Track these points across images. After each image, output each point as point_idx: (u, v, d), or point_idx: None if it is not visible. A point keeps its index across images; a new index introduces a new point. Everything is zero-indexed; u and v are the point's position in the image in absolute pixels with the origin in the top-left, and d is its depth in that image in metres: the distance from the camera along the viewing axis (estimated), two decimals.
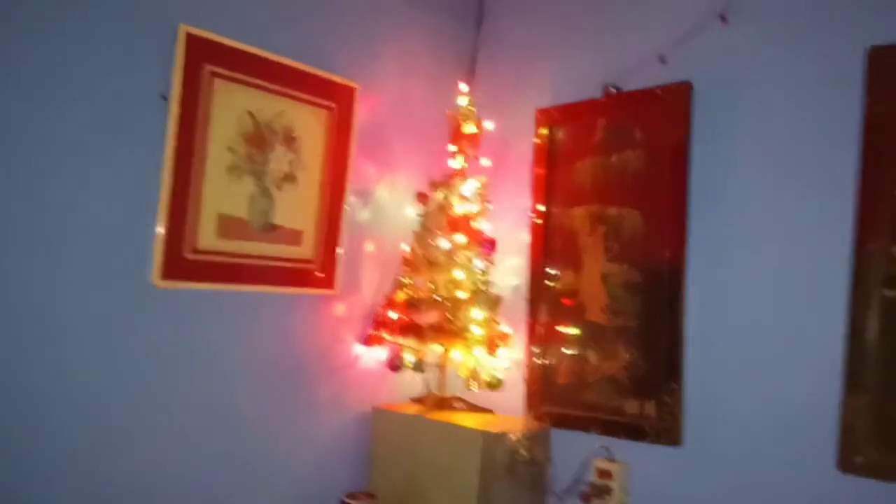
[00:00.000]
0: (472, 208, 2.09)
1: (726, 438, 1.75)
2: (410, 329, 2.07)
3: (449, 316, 2.02)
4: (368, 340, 2.14)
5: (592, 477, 1.91)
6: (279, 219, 1.87)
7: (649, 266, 1.91)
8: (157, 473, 1.69)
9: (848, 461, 1.56)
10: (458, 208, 2.06)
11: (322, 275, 1.98)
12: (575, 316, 2.04)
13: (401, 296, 2.10)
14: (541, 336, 2.11)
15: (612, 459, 1.91)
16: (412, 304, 2.04)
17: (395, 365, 2.05)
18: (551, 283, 2.11)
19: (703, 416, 1.79)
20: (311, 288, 1.96)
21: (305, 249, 1.94)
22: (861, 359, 1.57)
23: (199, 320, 1.76)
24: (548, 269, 2.12)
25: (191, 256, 1.71)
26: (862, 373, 1.57)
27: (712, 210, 1.83)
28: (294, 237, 1.91)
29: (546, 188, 2.13)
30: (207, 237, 1.73)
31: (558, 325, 2.08)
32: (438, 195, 2.10)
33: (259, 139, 1.79)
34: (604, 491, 1.88)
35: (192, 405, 1.75)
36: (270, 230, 1.85)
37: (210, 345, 1.78)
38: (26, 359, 1.50)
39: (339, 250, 2.01)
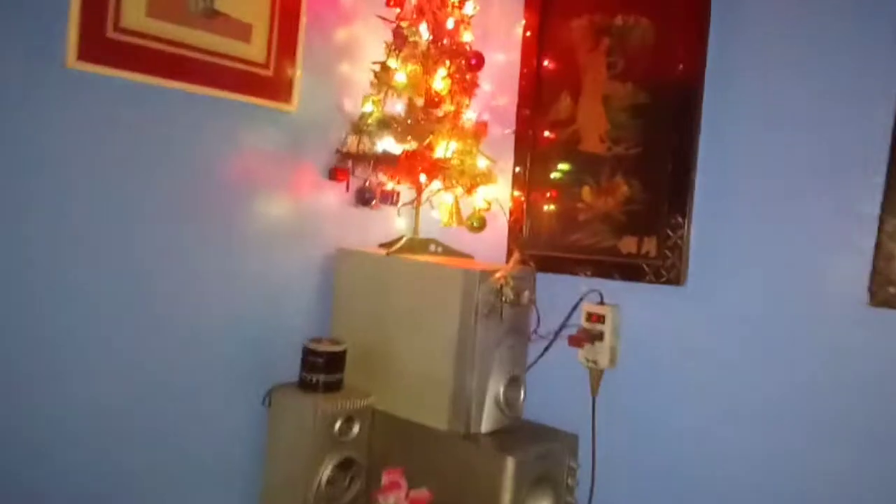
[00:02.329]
0: (455, 14, 1.78)
1: (737, 276, 1.57)
2: (381, 159, 1.79)
3: (426, 143, 1.75)
4: (333, 173, 1.85)
5: (582, 321, 1.72)
6: (223, 4, 1.53)
7: (659, 84, 1.65)
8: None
9: (880, 294, 1.38)
10: (439, 13, 1.75)
11: (277, 84, 1.67)
12: (568, 147, 1.80)
13: (370, 120, 1.80)
14: (529, 171, 1.87)
15: (602, 302, 1.71)
16: (383, 129, 1.76)
17: (363, 198, 1.78)
18: (545, 113, 1.85)
19: (711, 252, 1.60)
20: (264, 98, 1.65)
21: (256, 49, 1.61)
22: None
23: (125, 120, 1.44)
24: (541, 93, 1.85)
25: (114, 36, 1.38)
26: None
27: (738, 13, 1.57)
28: (242, 31, 1.58)
29: None
30: (134, 14, 1.40)
31: (549, 158, 1.84)
32: None
33: None
34: (594, 335, 1.69)
35: (109, 227, 1.46)
36: (212, 16, 1.52)
37: (137, 151, 1.47)
38: None
39: (297, 56, 1.69)
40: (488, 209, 1.85)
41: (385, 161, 1.78)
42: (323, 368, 1.67)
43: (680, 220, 1.61)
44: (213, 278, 1.65)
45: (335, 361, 1.70)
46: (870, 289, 1.37)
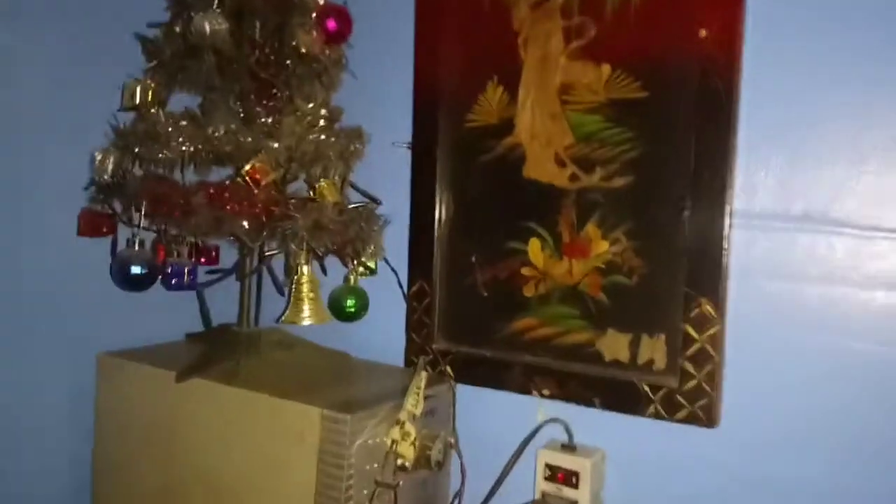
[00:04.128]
0: None
1: (813, 415, 0.87)
2: (169, 200, 0.98)
3: (250, 167, 0.95)
4: (84, 223, 1.03)
5: (537, 479, 0.98)
6: None
7: (661, 66, 0.93)
8: None
9: None
10: None
11: None
12: (504, 172, 1.05)
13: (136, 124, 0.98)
14: (437, 214, 1.11)
15: (573, 445, 0.99)
16: (154, 143, 0.94)
17: (127, 276, 0.96)
18: (461, 115, 1.09)
19: (766, 368, 0.90)
20: None
21: None
22: None
23: None
24: (453, 81, 1.09)
25: None
26: None
27: None
28: None
29: None
30: None
31: (471, 190, 1.09)
32: None
33: None
34: None
35: None
36: None
37: None
38: None
39: None
40: (371, 273, 1.09)
41: (177, 202, 0.97)
42: None
43: (709, 308, 0.90)
44: None
45: None
46: None
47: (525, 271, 1.04)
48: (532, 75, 1.03)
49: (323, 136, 0.99)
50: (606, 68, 0.97)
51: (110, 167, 1.00)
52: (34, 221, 1.03)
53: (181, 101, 1.02)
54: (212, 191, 0.93)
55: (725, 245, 0.89)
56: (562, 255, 1.01)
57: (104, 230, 1.03)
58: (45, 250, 1.04)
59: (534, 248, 1.03)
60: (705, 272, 0.90)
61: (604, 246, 0.98)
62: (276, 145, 0.94)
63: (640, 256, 0.95)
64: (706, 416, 0.90)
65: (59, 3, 1.01)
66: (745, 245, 0.91)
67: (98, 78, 1.02)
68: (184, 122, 0.91)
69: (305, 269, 0.98)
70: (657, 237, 0.94)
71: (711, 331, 0.90)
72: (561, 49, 1.00)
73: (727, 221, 0.89)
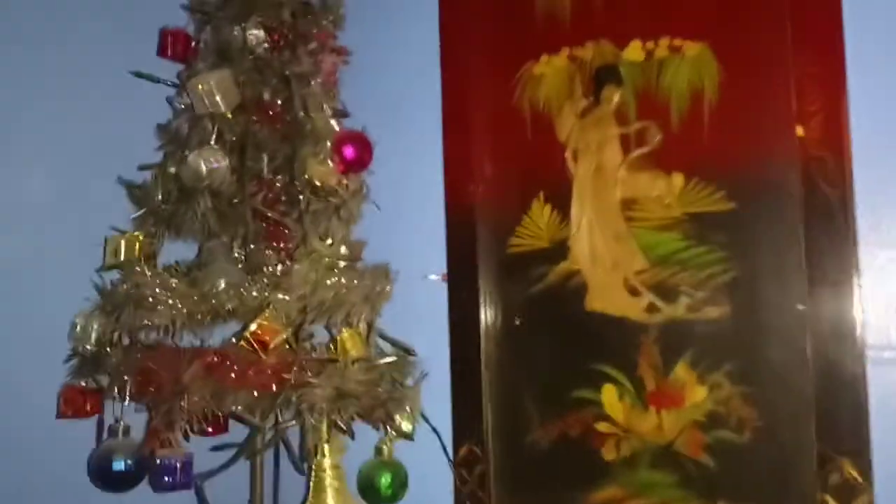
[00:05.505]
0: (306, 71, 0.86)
1: None
2: (159, 375, 0.80)
3: (259, 331, 0.78)
4: (66, 402, 0.85)
5: None
6: None
7: (749, 171, 0.77)
8: None
9: None
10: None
11: None
12: (562, 304, 0.88)
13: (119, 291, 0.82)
14: (483, 357, 0.92)
15: None
16: (142, 308, 0.77)
17: (107, 476, 0.77)
18: (503, 239, 0.93)
19: None
20: None
21: None
22: None
23: None
24: (492, 200, 0.93)
25: None
26: None
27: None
28: None
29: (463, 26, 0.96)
30: None
31: (520, 329, 0.91)
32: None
33: None
34: None
35: None
36: None
37: None
38: None
39: None
40: (408, 438, 0.89)
41: (169, 377, 0.79)
42: None
43: (853, 472, 0.69)
44: None
45: None
46: None
47: (601, 427, 0.84)
48: (586, 191, 0.87)
49: (343, 280, 0.82)
50: (679, 178, 0.81)
51: (94, 335, 0.83)
52: (5, 405, 0.85)
53: (177, 249, 0.87)
54: (210, 359, 0.75)
55: (864, 389, 0.70)
56: (647, 406, 0.82)
57: (88, 409, 0.85)
58: (20, 437, 0.85)
59: (609, 396, 0.84)
60: (843, 425, 0.70)
61: (701, 392, 0.78)
62: (286, 298, 0.77)
63: (752, 405, 0.75)
64: None
65: (35, 151, 0.88)
66: (886, 385, 0.71)
67: (79, 230, 0.88)
68: (174, 281, 0.75)
69: (327, 448, 0.78)
70: (772, 381, 0.75)
71: (861, 502, 0.69)
72: (619, 160, 0.85)
73: (862, 358, 0.70)
